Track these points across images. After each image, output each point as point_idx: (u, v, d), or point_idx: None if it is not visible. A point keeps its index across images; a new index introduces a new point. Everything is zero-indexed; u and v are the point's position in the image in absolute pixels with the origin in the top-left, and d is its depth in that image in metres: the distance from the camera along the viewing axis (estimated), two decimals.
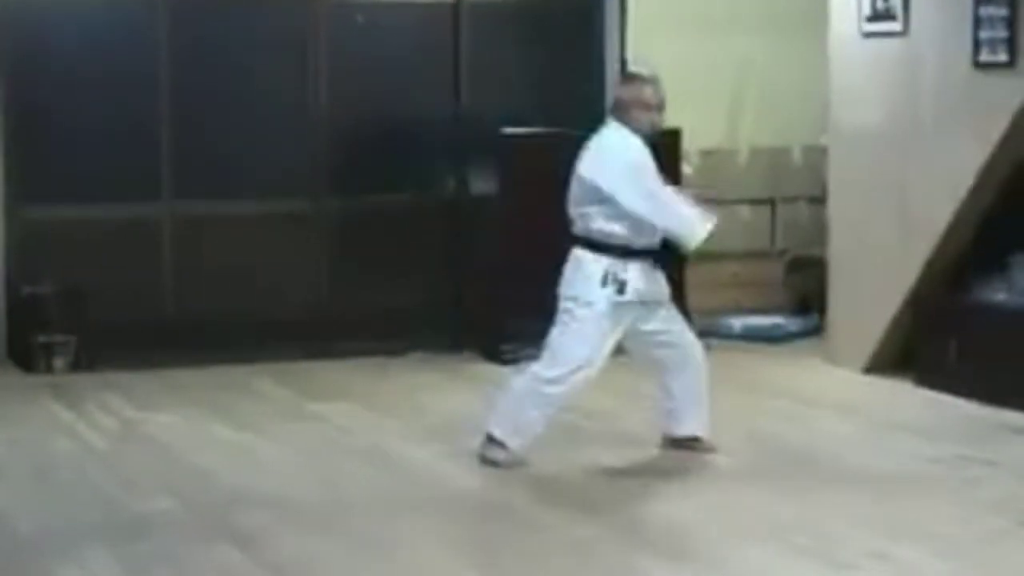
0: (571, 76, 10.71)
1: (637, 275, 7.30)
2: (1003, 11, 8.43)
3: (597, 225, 7.29)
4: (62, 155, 9.79)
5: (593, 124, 7.59)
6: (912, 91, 9.08)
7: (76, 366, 9.63)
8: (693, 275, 10.52)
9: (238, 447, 7.92)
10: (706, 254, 10.69)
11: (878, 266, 9.33)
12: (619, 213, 7.25)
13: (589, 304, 7.28)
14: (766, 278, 11.08)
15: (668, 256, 7.42)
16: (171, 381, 9.43)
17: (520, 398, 7.40)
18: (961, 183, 8.72)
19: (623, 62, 10.70)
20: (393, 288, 10.29)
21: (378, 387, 9.32)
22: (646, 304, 7.37)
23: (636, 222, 7.25)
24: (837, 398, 8.95)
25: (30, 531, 6.51)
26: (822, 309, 10.10)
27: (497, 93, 10.40)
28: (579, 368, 7.30)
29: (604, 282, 7.26)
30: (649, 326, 7.44)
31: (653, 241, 7.33)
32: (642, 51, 10.76)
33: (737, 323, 10.72)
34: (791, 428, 8.26)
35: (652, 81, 7.43)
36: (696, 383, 7.56)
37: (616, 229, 7.28)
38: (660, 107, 7.38)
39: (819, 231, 10.25)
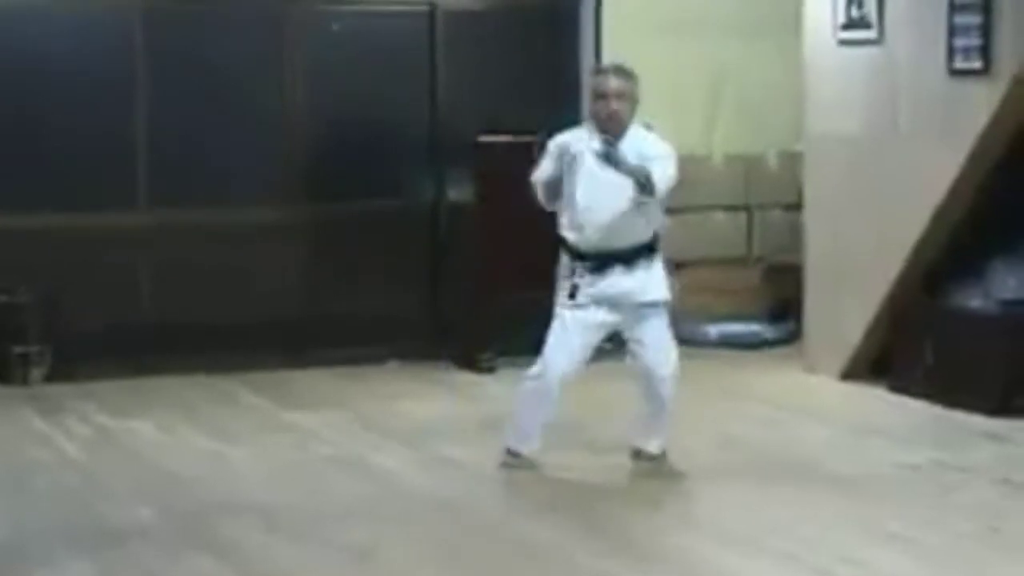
0: (547, 81, 10.71)
1: (589, 278, 7.25)
2: (977, 19, 8.46)
3: (560, 229, 7.36)
4: (38, 163, 9.75)
5: (569, 128, 7.58)
6: (887, 98, 9.10)
7: (53, 376, 9.61)
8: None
9: (215, 456, 7.92)
10: (682, 261, 10.81)
11: (854, 272, 9.35)
12: (569, 217, 7.28)
13: (560, 307, 7.34)
14: (742, 285, 11.08)
15: (640, 257, 7.31)
16: (148, 390, 9.41)
17: (515, 402, 7.50)
18: (936, 190, 8.74)
19: None
20: (370, 296, 10.28)
21: (355, 395, 9.31)
22: (617, 307, 7.28)
23: (572, 223, 7.27)
24: (813, 404, 8.97)
25: (6, 540, 6.49)
26: (798, 316, 10.12)
27: (473, 99, 10.40)
28: (548, 367, 7.30)
29: (564, 286, 7.32)
30: (628, 332, 7.39)
31: (600, 243, 7.23)
32: (617, 56, 10.78)
33: (713, 330, 10.72)
34: (767, 434, 8.27)
35: (607, 71, 7.38)
36: (650, 401, 7.42)
37: (568, 234, 7.31)
38: (616, 96, 7.24)
39: (795, 238, 10.25)
